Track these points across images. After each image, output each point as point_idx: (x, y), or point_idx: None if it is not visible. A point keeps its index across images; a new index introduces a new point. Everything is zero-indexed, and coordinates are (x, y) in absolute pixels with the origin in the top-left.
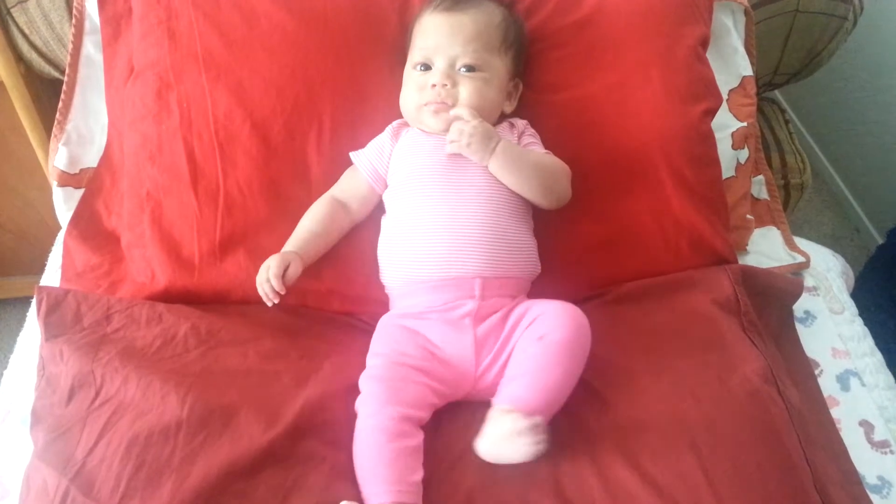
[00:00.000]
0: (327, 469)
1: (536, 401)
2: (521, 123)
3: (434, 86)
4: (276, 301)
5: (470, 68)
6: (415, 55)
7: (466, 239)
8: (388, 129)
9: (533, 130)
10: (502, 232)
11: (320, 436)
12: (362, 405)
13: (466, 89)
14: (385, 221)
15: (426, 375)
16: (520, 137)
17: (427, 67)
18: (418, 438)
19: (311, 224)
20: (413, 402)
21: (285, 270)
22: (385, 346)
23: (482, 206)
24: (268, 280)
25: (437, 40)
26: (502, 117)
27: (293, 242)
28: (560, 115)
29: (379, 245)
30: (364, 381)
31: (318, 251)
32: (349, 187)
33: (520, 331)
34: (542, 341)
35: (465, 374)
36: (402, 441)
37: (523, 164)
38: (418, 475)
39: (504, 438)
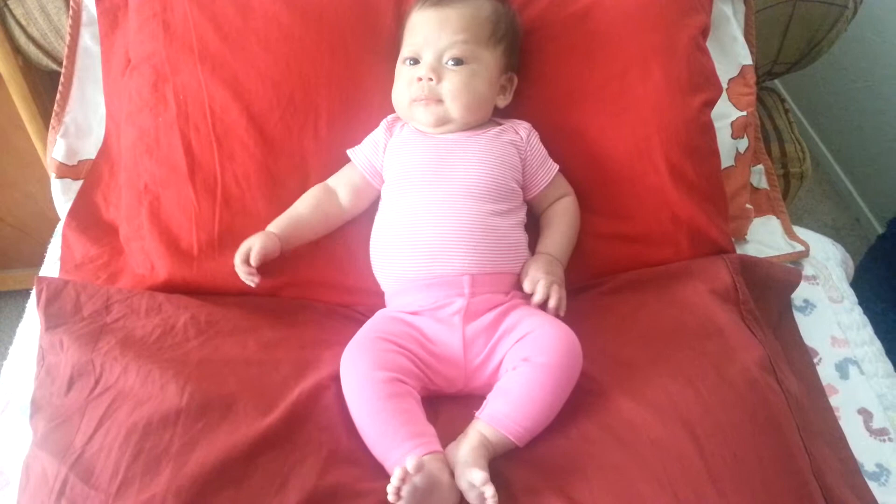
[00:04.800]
0: (324, 454)
1: (517, 424)
2: (524, 130)
3: (420, 79)
4: (256, 281)
5: (457, 61)
6: (404, 50)
7: (451, 237)
8: (383, 124)
9: (537, 135)
10: (489, 229)
11: (317, 422)
12: (349, 376)
13: (452, 83)
14: (377, 219)
15: (412, 353)
16: (527, 142)
17: (416, 62)
18: (416, 396)
19: (297, 207)
20: (398, 369)
21: (251, 251)
22: (371, 326)
23: (468, 205)
24: (241, 264)
25: (424, 35)
26: (500, 113)
27: (277, 223)
28: (559, 108)
29: (370, 243)
30: (346, 353)
31: (300, 233)
32: (343, 176)
33: (509, 340)
34: (532, 364)
35: (455, 369)
36: (405, 400)
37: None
38: (432, 427)
39: (462, 478)
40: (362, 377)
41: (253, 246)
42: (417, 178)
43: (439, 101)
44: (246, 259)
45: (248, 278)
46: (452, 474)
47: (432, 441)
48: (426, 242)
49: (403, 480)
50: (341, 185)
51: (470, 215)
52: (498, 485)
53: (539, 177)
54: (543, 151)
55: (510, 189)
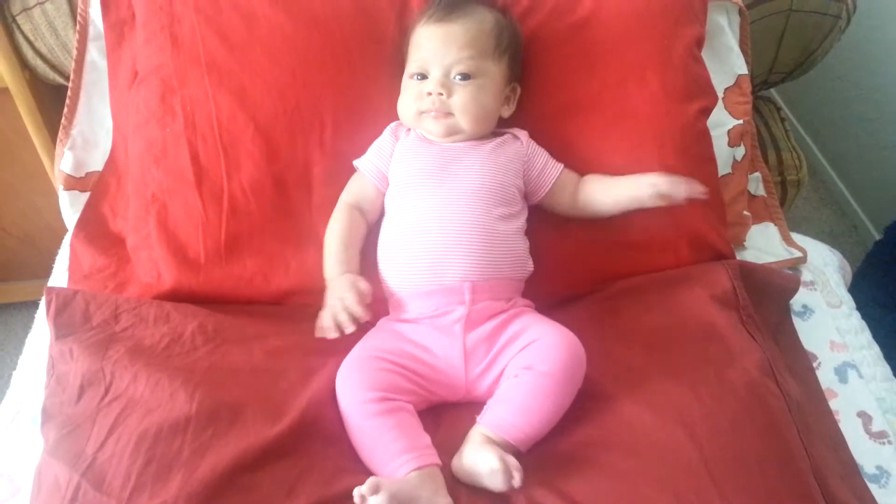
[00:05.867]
0: (331, 463)
1: (519, 430)
2: (523, 136)
3: (430, 94)
4: (354, 327)
5: (465, 76)
6: (411, 66)
7: (453, 242)
8: (388, 129)
9: (535, 144)
10: (491, 233)
11: (324, 430)
12: (342, 396)
13: (461, 98)
14: (382, 227)
15: (407, 369)
16: (527, 146)
17: (423, 77)
18: (410, 409)
19: (339, 238)
20: (389, 388)
21: (363, 293)
22: (366, 342)
23: (470, 207)
24: (345, 309)
25: (431, 51)
26: (501, 122)
27: (338, 265)
28: (557, 117)
29: (377, 251)
30: (339, 373)
31: (356, 260)
32: (359, 191)
33: (513, 350)
34: (535, 372)
35: (456, 379)
36: (395, 415)
37: None
38: (427, 438)
39: (479, 467)
40: (353, 398)
41: (361, 287)
42: (421, 184)
43: (449, 113)
44: (363, 299)
45: (364, 315)
46: (439, 490)
47: (426, 454)
48: (428, 249)
49: (363, 500)
50: (359, 198)
51: (472, 218)
52: None
53: (546, 174)
54: (545, 153)
55: (512, 194)
